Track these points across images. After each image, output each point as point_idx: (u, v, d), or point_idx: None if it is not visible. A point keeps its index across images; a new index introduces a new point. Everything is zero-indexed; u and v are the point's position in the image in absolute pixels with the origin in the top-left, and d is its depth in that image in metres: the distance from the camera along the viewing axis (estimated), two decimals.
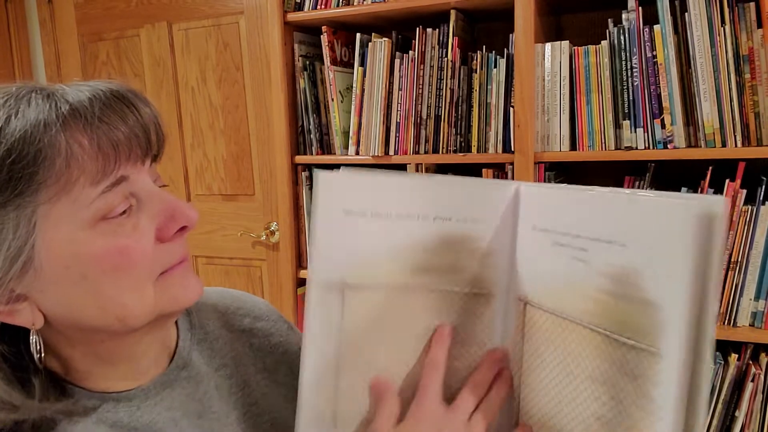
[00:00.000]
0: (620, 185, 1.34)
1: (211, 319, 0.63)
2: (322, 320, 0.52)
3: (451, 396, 0.53)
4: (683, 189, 1.28)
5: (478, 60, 1.43)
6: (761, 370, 1.23)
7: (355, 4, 1.53)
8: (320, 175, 0.51)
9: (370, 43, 1.53)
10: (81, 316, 0.47)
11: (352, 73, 1.59)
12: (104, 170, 0.45)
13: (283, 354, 0.66)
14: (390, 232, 0.52)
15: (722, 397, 1.25)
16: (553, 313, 0.50)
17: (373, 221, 0.52)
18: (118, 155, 0.46)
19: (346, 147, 1.61)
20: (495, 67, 1.42)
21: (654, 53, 1.25)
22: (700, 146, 1.24)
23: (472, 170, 1.51)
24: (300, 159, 1.66)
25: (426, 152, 1.49)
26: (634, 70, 1.27)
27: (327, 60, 1.59)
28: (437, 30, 1.47)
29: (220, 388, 0.59)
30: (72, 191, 0.44)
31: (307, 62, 1.65)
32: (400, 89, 1.50)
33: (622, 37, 1.28)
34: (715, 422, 1.26)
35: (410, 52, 1.49)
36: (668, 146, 1.26)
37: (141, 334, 0.51)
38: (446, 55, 1.45)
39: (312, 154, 1.66)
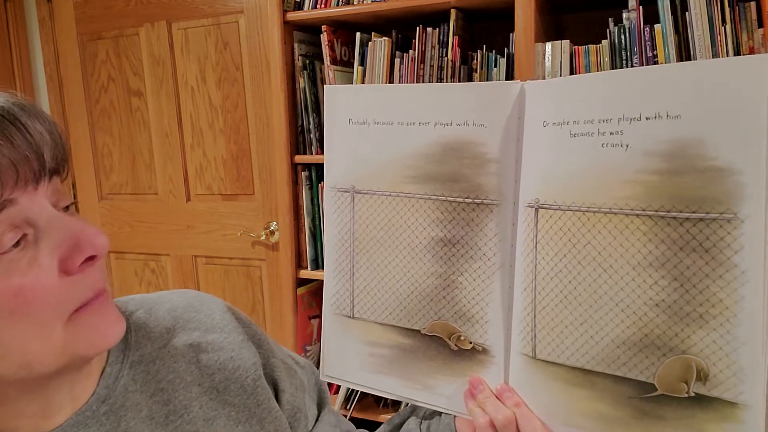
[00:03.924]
0: None
1: (152, 337, 0.57)
2: (336, 223, 0.59)
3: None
4: None
5: (478, 59, 1.43)
6: None
7: (354, 3, 1.53)
8: (326, 89, 0.59)
9: (370, 43, 1.53)
10: None
11: (352, 73, 1.58)
12: None
13: (234, 371, 0.59)
14: (392, 139, 0.55)
15: None
16: (578, 210, 0.48)
17: (375, 129, 0.56)
18: (1, 182, 0.40)
19: None
20: (495, 66, 1.41)
21: (654, 52, 1.25)
22: None
23: None
24: (300, 158, 1.66)
25: None
26: None
27: (327, 59, 1.58)
28: (437, 29, 1.46)
29: (154, 417, 0.53)
30: None
31: (307, 61, 1.65)
32: None
33: (622, 37, 1.27)
34: None
35: (410, 51, 1.49)
36: None
37: (51, 378, 0.45)
38: (446, 55, 1.45)
39: (312, 154, 1.65)
